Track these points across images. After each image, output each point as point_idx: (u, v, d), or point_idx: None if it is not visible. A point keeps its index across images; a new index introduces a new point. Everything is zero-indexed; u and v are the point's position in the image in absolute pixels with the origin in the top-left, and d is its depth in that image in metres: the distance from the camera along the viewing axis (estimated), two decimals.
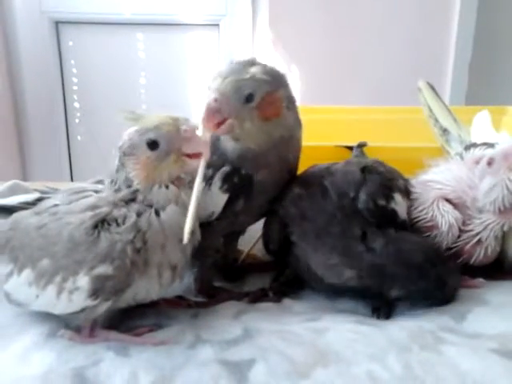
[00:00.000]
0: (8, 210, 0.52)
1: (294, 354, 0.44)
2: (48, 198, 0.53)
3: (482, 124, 0.71)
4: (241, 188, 0.55)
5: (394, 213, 0.55)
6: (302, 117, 0.58)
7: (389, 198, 0.55)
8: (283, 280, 0.61)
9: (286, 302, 0.56)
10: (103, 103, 2.00)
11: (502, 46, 2.07)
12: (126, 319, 0.51)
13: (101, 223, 0.45)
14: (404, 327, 0.47)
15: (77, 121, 2.06)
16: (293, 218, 0.56)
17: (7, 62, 1.91)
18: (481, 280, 0.56)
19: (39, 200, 0.52)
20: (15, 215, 0.51)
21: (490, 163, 0.54)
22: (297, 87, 1.90)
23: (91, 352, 0.45)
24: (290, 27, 1.88)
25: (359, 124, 1.07)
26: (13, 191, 0.69)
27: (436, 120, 0.74)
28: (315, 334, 0.47)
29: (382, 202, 0.54)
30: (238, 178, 0.55)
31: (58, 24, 1.94)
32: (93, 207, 0.47)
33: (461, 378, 0.39)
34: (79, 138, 2.08)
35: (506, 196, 0.53)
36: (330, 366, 0.42)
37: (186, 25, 1.95)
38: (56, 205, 0.49)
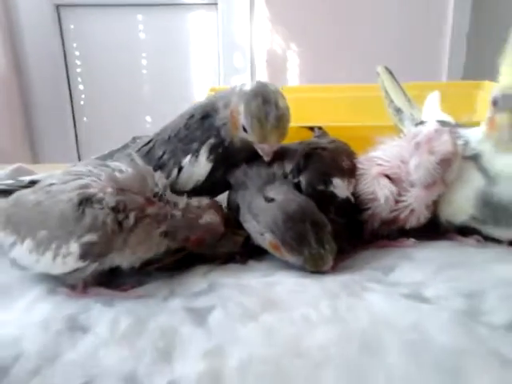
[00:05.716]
0: (5, 192, 0.62)
1: (248, 302, 0.53)
2: (48, 176, 0.62)
3: (431, 103, 0.79)
4: (222, 158, 0.66)
5: (332, 194, 0.63)
6: None
7: (327, 182, 0.62)
8: (251, 245, 0.69)
9: (251, 262, 0.65)
10: (107, 85, 2.07)
11: (500, 17, 2.07)
12: (113, 278, 0.61)
13: (85, 201, 0.54)
14: (337, 279, 0.56)
15: (82, 103, 2.12)
16: (237, 185, 0.66)
17: (11, 47, 1.96)
18: (413, 240, 0.65)
19: (33, 182, 0.62)
20: (16, 193, 0.61)
21: (416, 145, 0.61)
22: (295, 66, 1.94)
23: (83, 304, 0.55)
24: (288, 5, 1.90)
25: (336, 102, 1.14)
26: (17, 174, 0.79)
27: (391, 101, 0.81)
28: (267, 287, 0.56)
29: (320, 187, 0.62)
30: (221, 149, 0.66)
31: (58, 7, 1.98)
32: (82, 187, 0.56)
33: (373, 317, 0.48)
34: (85, 119, 2.15)
35: (429, 174, 0.60)
36: (275, 311, 0.51)
37: (185, 4, 1.99)
38: (51, 184, 0.59)
